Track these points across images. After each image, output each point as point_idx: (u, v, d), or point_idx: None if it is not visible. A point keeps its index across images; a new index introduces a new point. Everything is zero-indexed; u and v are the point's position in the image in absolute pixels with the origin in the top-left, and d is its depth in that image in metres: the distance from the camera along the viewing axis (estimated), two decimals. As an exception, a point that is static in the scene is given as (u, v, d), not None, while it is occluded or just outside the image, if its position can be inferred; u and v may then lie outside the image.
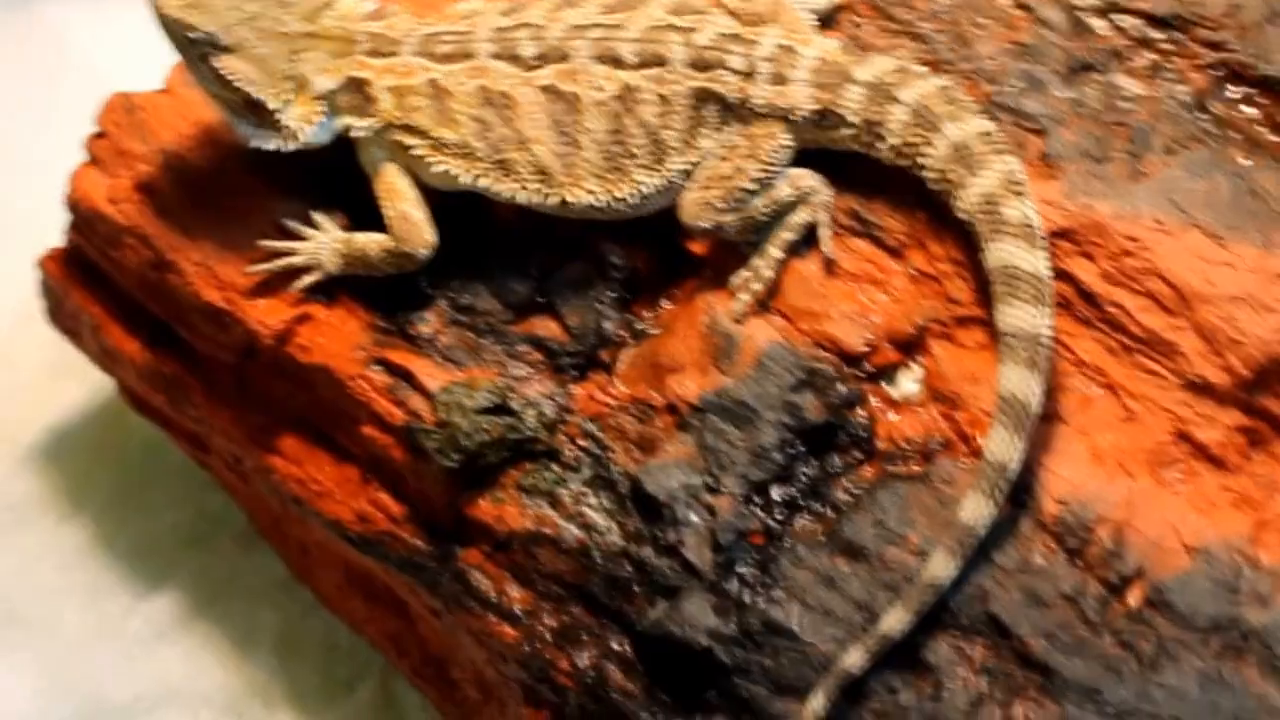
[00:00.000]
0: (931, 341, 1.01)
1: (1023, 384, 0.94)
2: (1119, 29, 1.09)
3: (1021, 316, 0.95)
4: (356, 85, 1.04)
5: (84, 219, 1.13)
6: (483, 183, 1.03)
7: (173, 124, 1.12)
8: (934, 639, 0.94)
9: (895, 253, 1.03)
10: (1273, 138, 1.05)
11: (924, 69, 1.02)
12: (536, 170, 1.02)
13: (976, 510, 0.93)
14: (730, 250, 1.04)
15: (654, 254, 1.06)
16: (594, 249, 1.06)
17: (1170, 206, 1.00)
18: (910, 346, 1.01)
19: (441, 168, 1.04)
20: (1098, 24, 1.08)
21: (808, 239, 1.03)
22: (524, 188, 1.03)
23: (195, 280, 1.08)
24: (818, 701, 0.93)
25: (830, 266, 1.02)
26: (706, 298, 1.03)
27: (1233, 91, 1.07)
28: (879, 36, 1.09)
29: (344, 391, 1.05)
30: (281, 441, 1.11)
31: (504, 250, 1.06)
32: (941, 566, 0.93)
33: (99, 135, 1.14)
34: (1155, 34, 1.08)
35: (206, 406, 1.14)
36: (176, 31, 1.04)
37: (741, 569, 0.97)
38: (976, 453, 0.97)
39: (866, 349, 1.01)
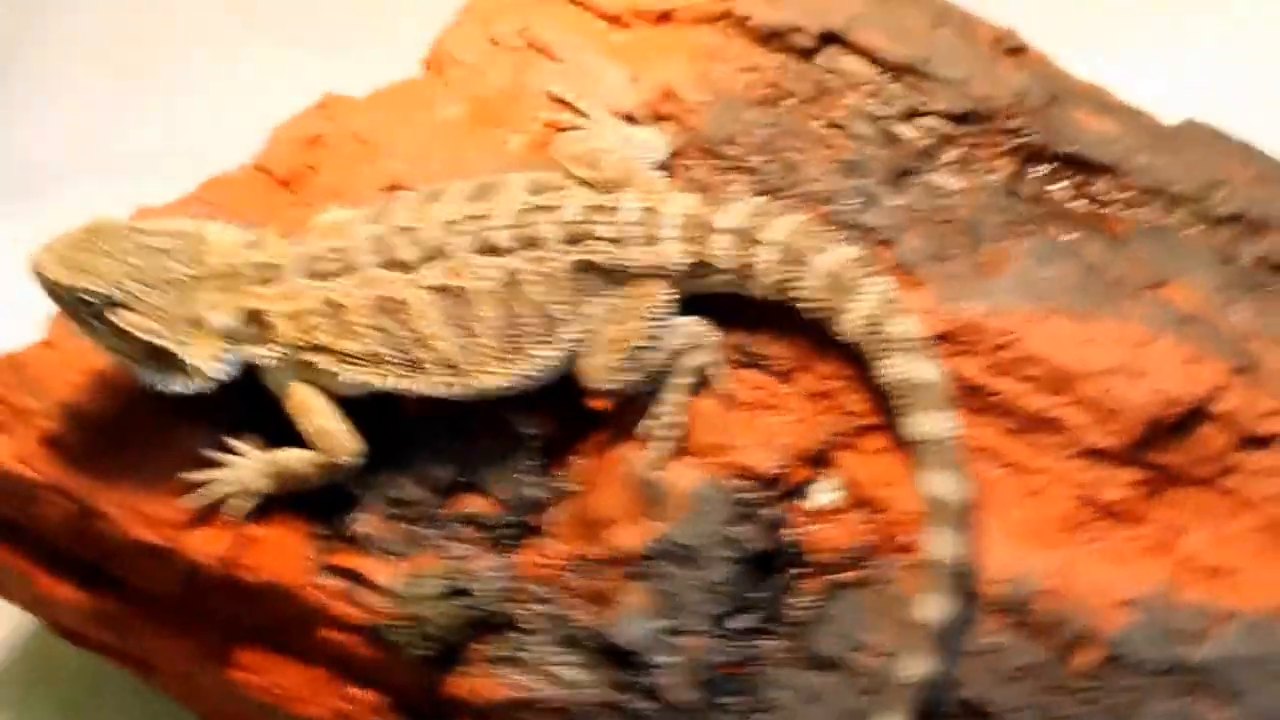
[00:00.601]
0: (838, 453, 1.07)
1: (946, 484, 1.02)
2: (924, 130, 1.16)
3: (928, 423, 1.03)
4: (252, 316, 1.07)
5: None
6: (393, 384, 1.07)
7: (63, 375, 1.13)
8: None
9: (785, 377, 1.09)
10: (1083, 209, 1.14)
11: (779, 206, 1.09)
12: (443, 364, 1.06)
13: (940, 608, 1.00)
14: (629, 400, 1.08)
15: (557, 415, 1.10)
16: (503, 422, 1.10)
17: (1030, 297, 1.08)
18: (819, 461, 1.07)
19: (351, 377, 1.07)
20: (904, 130, 1.16)
21: (702, 380, 1.09)
22: (433, 382, 1.07)
23: (125, 522, 1.09)
24: None
25: (729, 401, 1.08)
26: (620, 450, 1.08)
27: (1035, 171, 1.16)
28: (713, 174, 1.14)
29: (298, 601, 1.08)
30: (240, 655, 1.13)
31: (419, 439, 1.10)
32: (920, 666, 1.00)
33: None
34: (957, 130, 1.16)
35: (153, 636, 1.15)
36: (66, 295, 1.05)
37: (726, 699, 1.03)
38: (905, 549, 1.04)
39: (781, 470, 1.06)
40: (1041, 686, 1.02)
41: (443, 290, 1.06)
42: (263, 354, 1.08)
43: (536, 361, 1.08)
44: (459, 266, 1.06)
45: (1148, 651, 1.01)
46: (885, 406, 1.06)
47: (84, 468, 1.11)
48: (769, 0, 1.20)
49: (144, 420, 1.12)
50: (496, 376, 1.07)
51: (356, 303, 1.06)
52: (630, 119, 1.17)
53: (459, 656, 1.08)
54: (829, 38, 1.19)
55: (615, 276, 1.07)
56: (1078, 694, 1.01)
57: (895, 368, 1.04)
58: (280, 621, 1.11)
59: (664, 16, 1.21)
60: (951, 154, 1.16)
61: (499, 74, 1.21)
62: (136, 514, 1.09)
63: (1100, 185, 1.16)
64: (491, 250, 1.06)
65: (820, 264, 1.06)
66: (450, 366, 1.07)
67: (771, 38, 1.19)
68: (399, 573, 1.07)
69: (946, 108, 1.17)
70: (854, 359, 1.07)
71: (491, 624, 1.07)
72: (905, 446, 1.04)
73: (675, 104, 1.17)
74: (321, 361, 1.07)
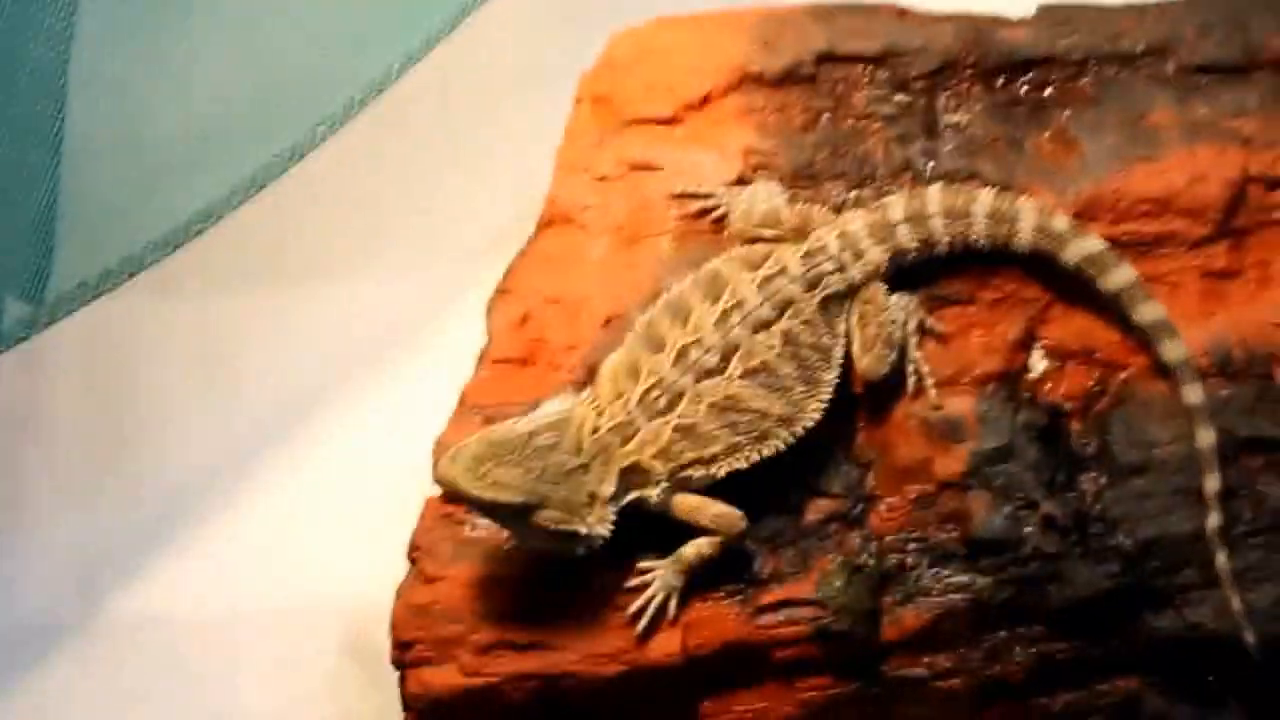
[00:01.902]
0: (1038, 329, 1.37)
1: (1152, 309, 1.34)
2: (920, 90, 1.47)
3: (1116, 276, 1.34)
4: (630, 470, 1.28)
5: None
6: (754, 458, 1.30)
7: (455, 590, 1.32)
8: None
9: (971, 301, 1.38)
10: (1053, 93, 1.47)
11: (903, 190, 1.39)
12: (780, 422, 1.30)
13: (1199, 391, 1.32)
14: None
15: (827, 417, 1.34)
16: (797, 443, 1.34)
17: (1106, 161, 1.42)
18: (1026, 344, 1.37)
19: (722, 471, 1.30)
20: (906, 97, 1.47)
21: (923, 331, 1.37)
22: (780, 440, 1.31)
23: (592, 668, 1.29)
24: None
25: (945, 338, 1.37)
26: (894, 413, 1.35)
27: (1003, 84, 1.47)
28: (818, 191, 1.42)
29: (750, 646, 1.30)
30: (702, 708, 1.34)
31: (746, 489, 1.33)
32: (1210, 435, 1.31)
33: (404, 648, 1.32)
34: (939, 81, 1.47)
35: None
36: (493, 508, 1.25)
37: (1090, 531, 1.33)
38: (1125, 368, 1.37)
39: (1008, 364, 1.36)
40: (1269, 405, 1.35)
41: (753, 372, 1.29)
42: (653, 494, 1.29)
43: (829, 385, 1.32)
44: (751, 349, 1.30)
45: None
46: (1061, 287, 1.37)
47: (526, 649, 1.30)
48: (768, 51, 1.46)
49: (543, 585, 1.32)
50: (814, 410, 1.31)
51: (701, 418, 1.29)
52: (742, 181, 1.42)
53: (878, 614, 1.32)
54: (822, 58, 1.46)
55: (851, 295, 1.34)
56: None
57: (1073, 251, 1.34)
58: (730, 671, 1.32)
59: (704, 100, 1.45)
60: (948, 99, 1.45)
61: (620, 201, 1.43)
62: (598, 657, 1.30)
63: (1049, 73, 1.46)
64: (765, 325, 1.30)
65: (979, 209, 1.35)
66: (785, 421, 1.30)
67: (784, 79, 1.45)
68: (811, 582, 1.31)
69: (923, 69, 1.46)
70: (1012, 266, 1.37)
71: (887, 579, 1.32)
72: (1105, 300, 1.35)
73: (758, 157, 1.43)
74: (697, 473, 1.29)
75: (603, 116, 1.48)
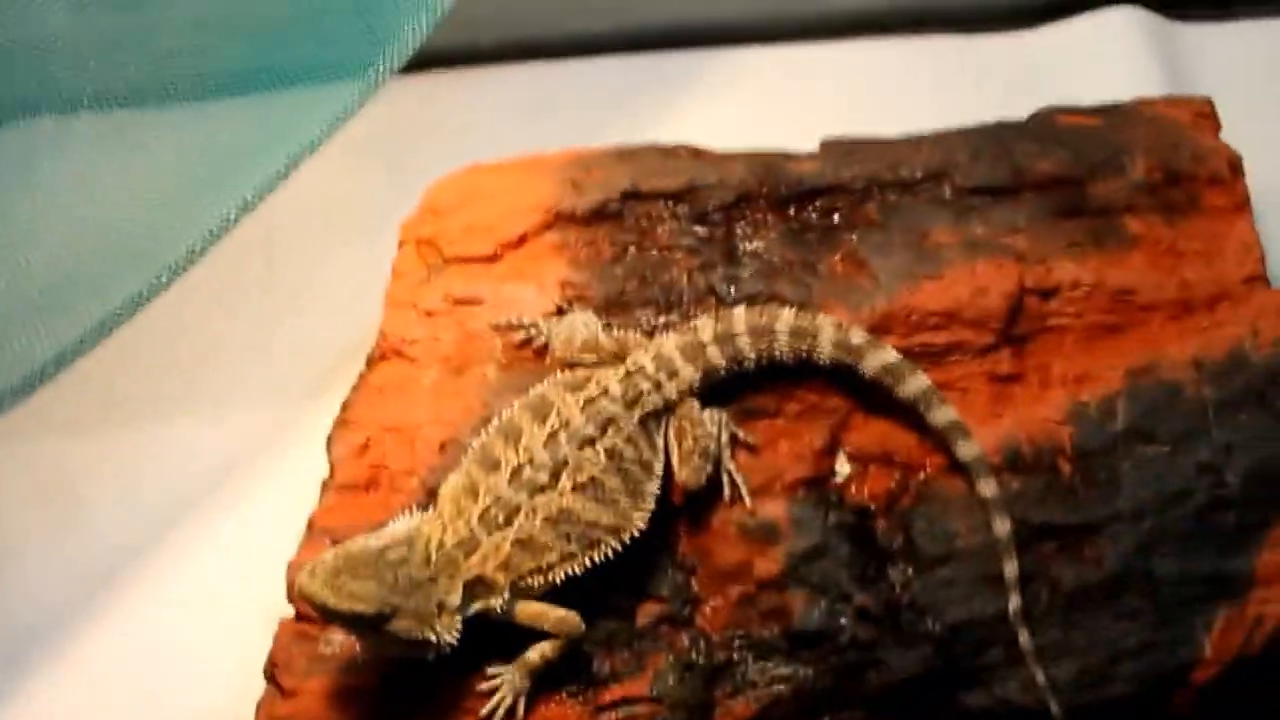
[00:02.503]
0: (840, 436, 1.48)
1: (945, 412, 1.45)
2: (717, 221, 1.59)
3: (912, 384, 1.45)
4: (475, 583, 1.36)
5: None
6: (587, 564, 1.38)
7: (315, 704, 1.39)
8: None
9: (777, 413, 1.48)
10: (841, 218, 1.58)
11: (716, 312, 1.48)
12: (610, 531, 1.39)
13: (993, 486, 1.43)
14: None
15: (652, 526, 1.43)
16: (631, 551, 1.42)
17: (896, 279, 1.54)
18: (831, 449, 1.46)
19: (559, 577, 1.38)
20: (704, 229, 1.58)
21: (735, 443, 1.47)
22: (608, 547, 1.39)
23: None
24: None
25: (756, 448, 1.47)
26: (713, 520, 1.45)
27: (794, 212, 1.59)
28: (631, 318, 1.53)
29: None
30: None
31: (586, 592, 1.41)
32: (1006, 523, 1.42)
33: None
34: (735, 213, 1.58)
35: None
36: (349, 618, 1.31)
37: (901, 619, 1.43)
38: (924, 468, 1.48)
39: (815, 469, 1.46)
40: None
41: (582, 487, 1.38)
42: (497, 603, 1.37)
43: (651, 495, 1.41)
44: (579, 465, 1.38)
45: (1099, 439, 1.48)
46: (862, 395, 1.47)
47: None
48: (577, 191, 1.57)
49: (396, 693, 1.39)
50: (639, 519, 1.40)
51: (537, 530, 1.36)
52: (560, 311, 1.52)
53: (711, 706, 1.40)
54: (627, 196, 1.57)
55: (668, 411, 1.44)
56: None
57: (870, 363, 1.45)
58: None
59: (521, 239, 1.56)
60: (744, 228, 1.57)
61: (447, 333, 1.52)
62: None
63: (836, 200, 1.58)
64: (590, 443, 1.39)
65: (782, 326, 1.45)
66: (613, 530, 1.39)
67: (593, 216, 1.56)
68: (646, 680, 1.39)
69: (720, 202, 1.57)
70: (815, 378, 1.48)
71: (717, 673, 1.40)
72: (902, 406, 1.46)
73: (573, 289, 1.53)
74: (535, 581, 1.37)
75: (427, 256, 1.57)
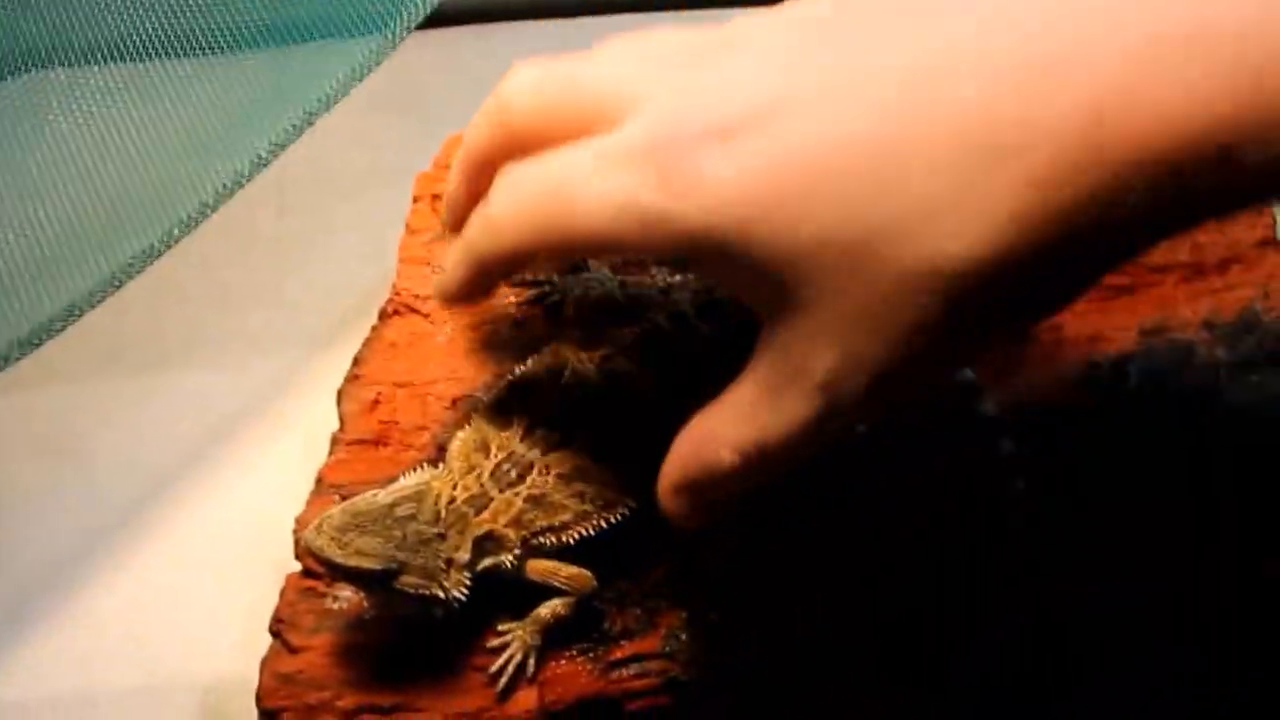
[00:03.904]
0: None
1: None
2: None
3: None
4: (485, 539, 1.31)
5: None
6: (601, 525, 1.33)
7: (318, 659, 1.35)
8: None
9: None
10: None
11: None
12: (626, 491, 1.33)
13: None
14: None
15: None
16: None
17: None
18: None
19: (572, 538, 1.33)
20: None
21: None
22: (628, 507, 1.33)
23: (448, 724, 1.32)
24: None
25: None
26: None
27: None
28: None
29: (605, 700, 1.34)
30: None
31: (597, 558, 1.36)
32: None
33: (271, 716, 1.33)
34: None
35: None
36: (356, 574, 1.28)
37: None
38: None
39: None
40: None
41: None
42: (507, 559, 1.32)
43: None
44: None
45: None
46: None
47: (391, 711, 1.32)
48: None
49: (405, 651, 1.35)
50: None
51: (551, 487, 1.32)
52: (576, 269, 1.49)
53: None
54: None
55: (680, 364, 1.42)
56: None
57: None
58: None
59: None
60: None
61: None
62: (460, 716, 1.33)
63: None
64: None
65: None
66: (630, 490, 1.33)
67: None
68: (659, 638, 1.36)
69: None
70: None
71: None
72: None
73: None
74: (548, 540, 1.32)
75: (441, 212, 1.53)
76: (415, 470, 1.35)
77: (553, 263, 1.47)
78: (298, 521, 1.39)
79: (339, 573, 1.29)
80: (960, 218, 0.78)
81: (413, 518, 1.30)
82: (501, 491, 1.32)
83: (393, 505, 1.30)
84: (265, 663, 1.36)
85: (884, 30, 0.85)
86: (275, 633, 1.37)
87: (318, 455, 1.43)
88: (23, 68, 1.59)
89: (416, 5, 1.60)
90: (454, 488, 1.33)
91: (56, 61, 1.60)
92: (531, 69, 1.10)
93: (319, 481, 1.42)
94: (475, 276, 1.17)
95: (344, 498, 1.36)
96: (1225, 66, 0.72)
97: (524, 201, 1.00)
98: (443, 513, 1.31)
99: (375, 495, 1.31)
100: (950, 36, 0.81)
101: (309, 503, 1.40)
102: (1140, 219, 0.77)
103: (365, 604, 1.36)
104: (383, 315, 1.50)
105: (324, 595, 1.38)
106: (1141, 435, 1.41)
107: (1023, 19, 0.79)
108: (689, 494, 1.14)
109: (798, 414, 0.94)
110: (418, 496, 1.31)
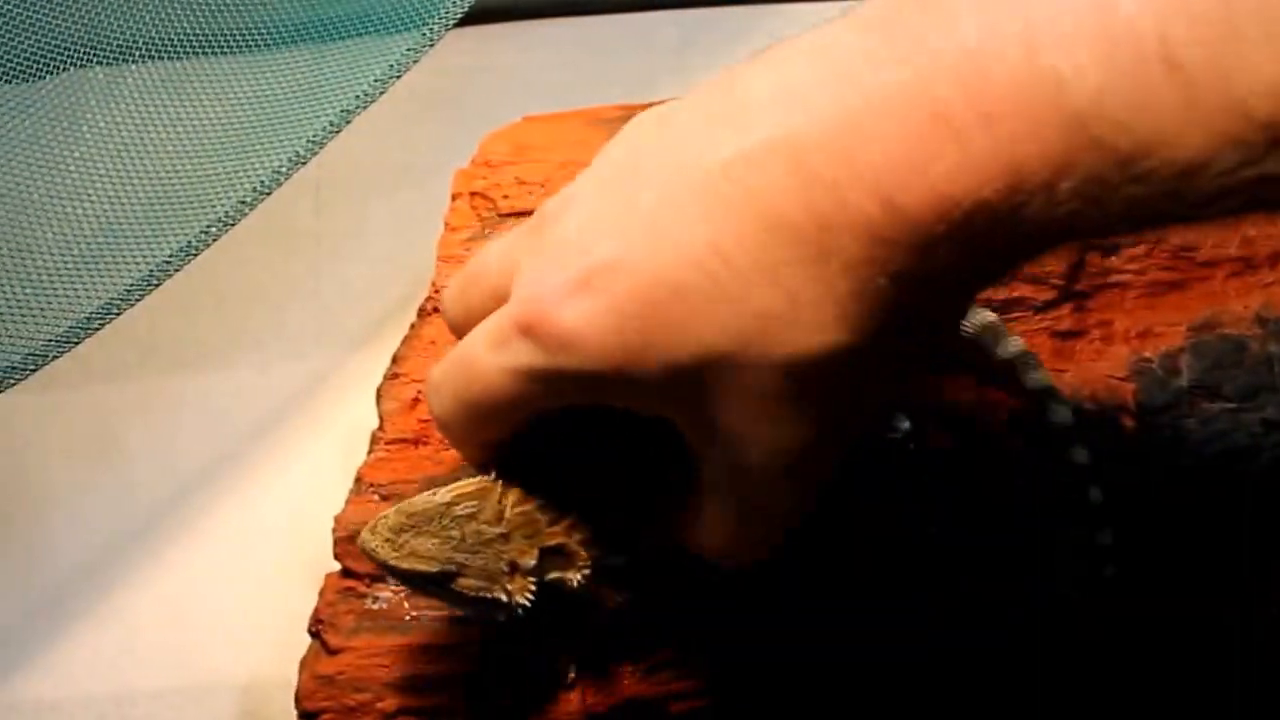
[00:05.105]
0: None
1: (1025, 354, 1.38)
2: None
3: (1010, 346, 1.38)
4: (553, 551, 1.21)
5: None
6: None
7: (357, 660, 1.31)
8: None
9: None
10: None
11: None
12: None
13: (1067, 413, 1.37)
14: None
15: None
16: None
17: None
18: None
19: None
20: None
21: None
22: None
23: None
24: None
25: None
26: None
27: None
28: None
29: (645, 703, 1.31)
30: None
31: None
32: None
33: (310, 718, 1.30)
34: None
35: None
36: (409, 577, 1.19)
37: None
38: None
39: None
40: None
41: None
42: (574, 577, 1.21)
43: None
44: None
45: (1162, 395, 1.39)
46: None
47: (430, 714, 1.30)
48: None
49: (445, 653, 1.32)
50: None
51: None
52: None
53: None
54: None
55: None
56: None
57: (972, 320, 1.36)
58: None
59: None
60: None
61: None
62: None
63: None
64: None
65: None
66: None
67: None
68: (700, 638, 1.32)
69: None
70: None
71: None
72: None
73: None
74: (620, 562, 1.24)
75: (480, 209, 1.50)
76: (473, 472, 1.25)
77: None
78: (337, 521, 1.35)
79: (396, 575, 1.22)
80: (805, 315, 0.85)
81: (473, 517, 1.20)
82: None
83: (450, 504, 1.20)
84: (304, 664, 1.33)
85: (677, 154, 0.92)
86: (314, 633, 1.34)
87: (357, 454, 1.39)
88: (60, 66, 1.56)
89: (454, 2, 1.57)
90: (522, 491, 1.22)
91: (94, 60, 1.57)
92: (455, 278, 1.16)
93: (358, 481, 1.38)
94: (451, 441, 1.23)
95: (385, 498, 1.34)
96: (987, 133, 0.78)
97: (442, 383, 1.11)
98: (507, 512, 1.20)
99: (433, 494, 1.22)
100: (735, 147, 0.89)
101: (348, 502, 1.37)
102: (955, 270, 0.84)
103: (405, 604, 1.33)
104: (422, 313, 1.46)
105: (364, 596, 1.34)
106: (1201, 441, 1.38)
107: (801, 131, 0.86)
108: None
109: (761, 504, 1.05)
110: (480, 494, 1.21)
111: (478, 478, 1.23)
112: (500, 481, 1.22)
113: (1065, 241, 0.90)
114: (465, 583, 1.20)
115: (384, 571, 1.23)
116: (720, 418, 0.94)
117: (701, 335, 0.89)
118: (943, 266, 0.83)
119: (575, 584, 1.23)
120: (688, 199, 0.89)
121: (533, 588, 1.21)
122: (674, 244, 0.89)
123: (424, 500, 1.22)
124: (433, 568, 1.20)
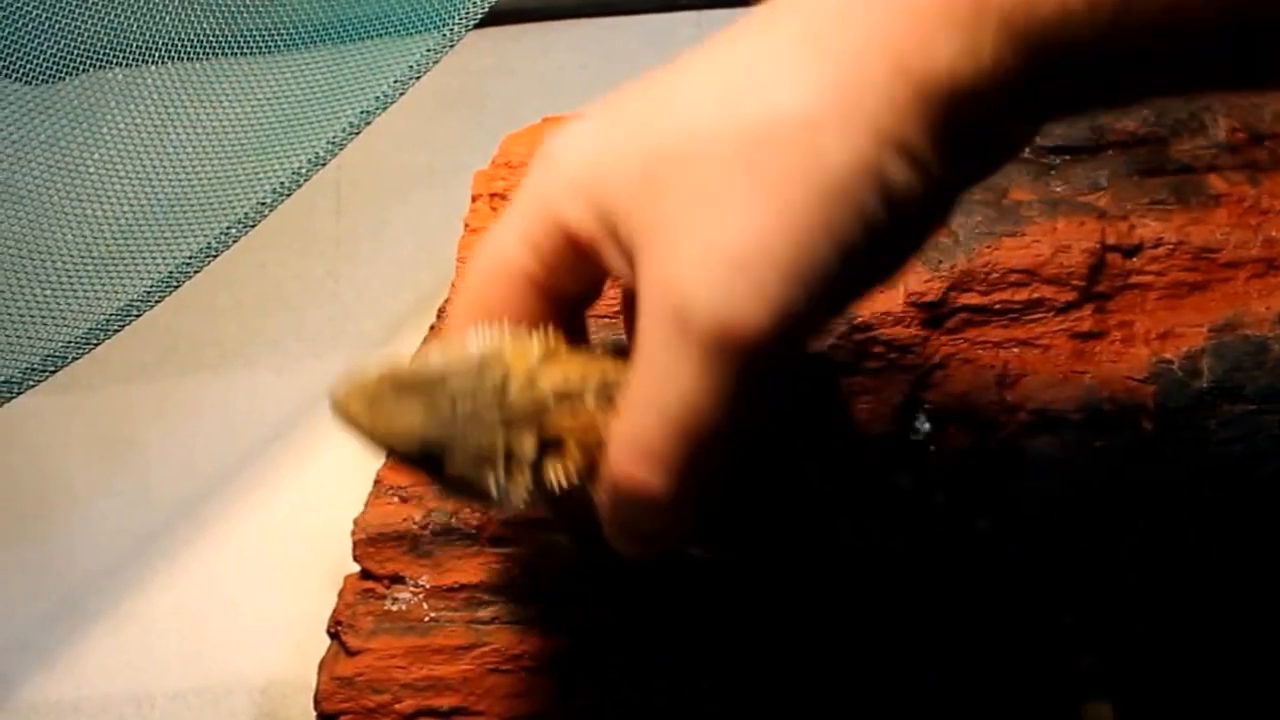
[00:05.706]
0: (921, 393, 1.42)
1: None
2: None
3: None
4: (555, 443, 0.97)
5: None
6: None
7: (376, 660, 1.31)
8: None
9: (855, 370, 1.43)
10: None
11: None
12: None
13: None
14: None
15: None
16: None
17: (976, 239, 1.46)
18: (909, 407, 1.42)
19: None
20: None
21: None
22: None
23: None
24: None
25: (832, 405, 1.40)
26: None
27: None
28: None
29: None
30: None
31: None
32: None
33: None
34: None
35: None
36: (391, 451, 1.00)
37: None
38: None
39: (890, 430, 1.41)
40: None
41: None
42: (562, 479, 0.98)
43: None
44: None
45: (1183, 397, 1.38)
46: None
47: (450, 715, 1.29)
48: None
49: (464, 652, 1.30)
50: None
51: None
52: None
53: None
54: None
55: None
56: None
57: None
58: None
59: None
60: None
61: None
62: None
63: None
64: None
65: None
66: None
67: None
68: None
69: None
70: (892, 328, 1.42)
71: None
72: None
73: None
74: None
75: (500, 211, 1.49)
76: (477, 334, 1.00)
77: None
78: (356, 523, 1.35)
79: (372, 443, 1.01)
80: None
81: (472, 394, 0.96)
82: (598, 397, 0.97)
83: (445, 376, 0.97)
84: (323, 665, 1.33)
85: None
86: (333, 634, 1.34)
87: (375, 456, 1.38)
88: (80, 68, 1.56)
89: (475, 3, 1.56)
90: (534, 367, 0.97)
91: (114, 62, 1.57)
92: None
93: (377, 483, 1.38)
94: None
95: (403, 499, 1.33)
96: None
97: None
98: (512, 392, 0.96)
99: (428, 359, 0.99)
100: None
101: (368, 504, 1.36)
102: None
103: (433, 607, 1.32)
104: (441, 314, 1.45)
105: (383, 597, 1.33)
106: (1221, 444, 1.36)
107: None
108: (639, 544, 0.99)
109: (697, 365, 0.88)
110: (481, 366, 0.97)
111: (477, 346, 0.98)
112: (506, 354, 0.97)
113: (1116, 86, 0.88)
114: (454, 464, 0.97)
115: (359, 437, 1.02)
116: (682, 241, 0.85)
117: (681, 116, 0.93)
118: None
119: (559, 482, 0.98)
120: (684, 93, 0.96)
121: (530, 485, 0.98)
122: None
123: (416, 365, 0.99)
124: (413, 447, 0.98)
